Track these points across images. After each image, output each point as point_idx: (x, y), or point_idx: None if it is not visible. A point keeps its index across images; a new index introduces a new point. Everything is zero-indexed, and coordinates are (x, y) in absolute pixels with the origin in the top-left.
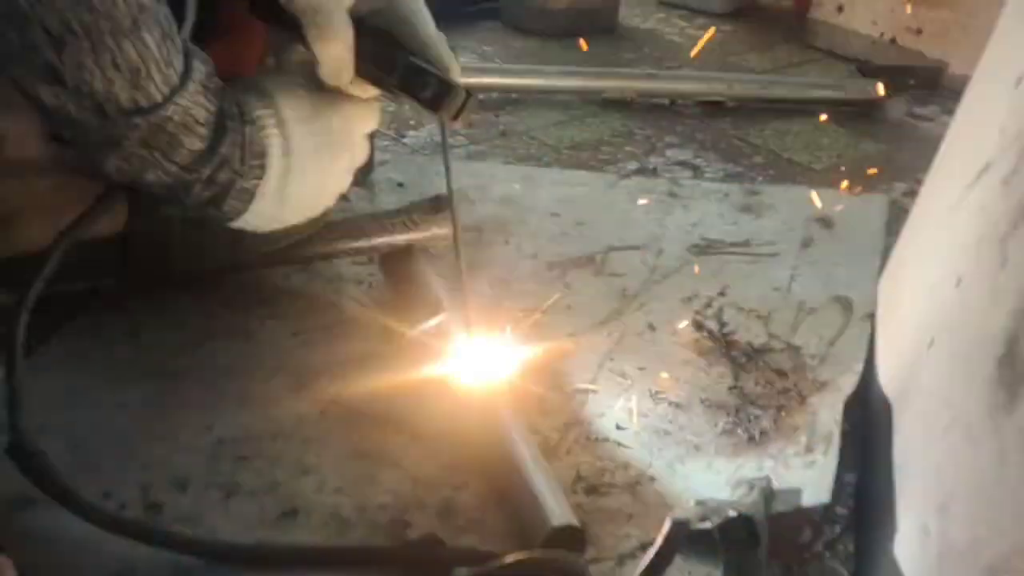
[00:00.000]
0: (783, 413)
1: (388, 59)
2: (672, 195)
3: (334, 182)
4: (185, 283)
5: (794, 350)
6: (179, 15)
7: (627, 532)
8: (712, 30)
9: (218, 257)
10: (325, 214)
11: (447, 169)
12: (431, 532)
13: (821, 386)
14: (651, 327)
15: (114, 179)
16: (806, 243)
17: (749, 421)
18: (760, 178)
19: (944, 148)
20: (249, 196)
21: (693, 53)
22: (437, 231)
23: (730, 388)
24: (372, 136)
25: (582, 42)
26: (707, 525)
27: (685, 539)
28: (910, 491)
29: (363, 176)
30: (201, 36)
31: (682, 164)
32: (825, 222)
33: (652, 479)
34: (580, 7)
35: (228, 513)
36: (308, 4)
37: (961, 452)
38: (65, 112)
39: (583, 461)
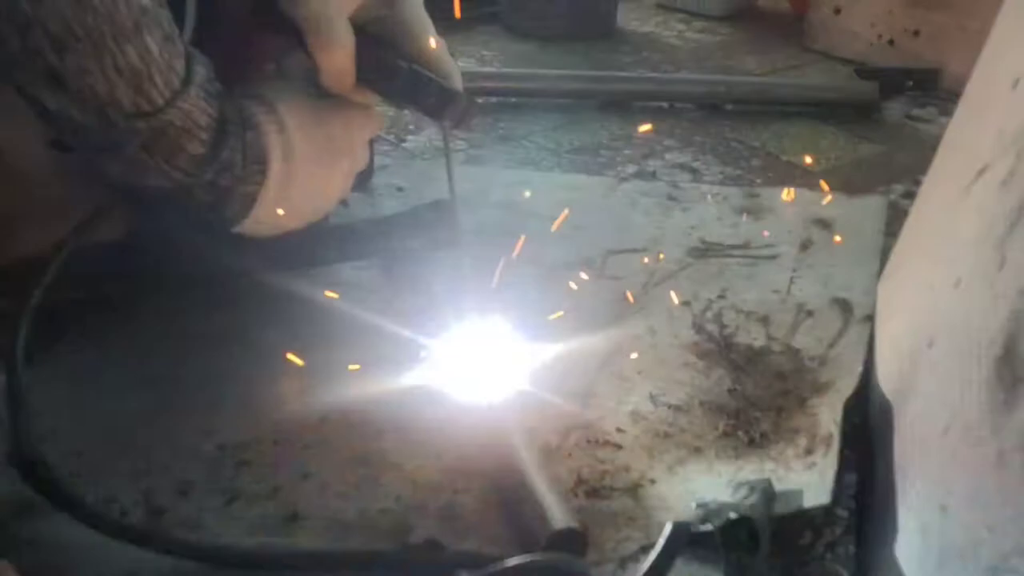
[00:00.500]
0: (783, 415)
1: (389, 66)
2: (671, 198)
3: (334, 187)
4: (185, 289)
5: (794, 352)
6: (180, 19)
7: (628, 535)
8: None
9: (218, 263)
10: (325, 219)
11: (449, 175)
12: (432, 536)
13: (821, 388)
14: (651, 330)
15: (116, 183)
16: (805, 245)
17: (749, 423)
18: (759, 180)
19: (942, 150)
20: (250, 201)
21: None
22: (438, 236)
23: (730, 391)
24: (372, 141)
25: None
26: (708, 527)
27: (686, 542)
28: (910, 492)
29: (363, 181)
30: (202, 41)
31: (681, 167)
32: (824, 224)
33: (653, 482)
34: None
35: (230, 518)
36: (309, 11)
37: (961, 453)
38: (67, 117)
39: (583, 464)
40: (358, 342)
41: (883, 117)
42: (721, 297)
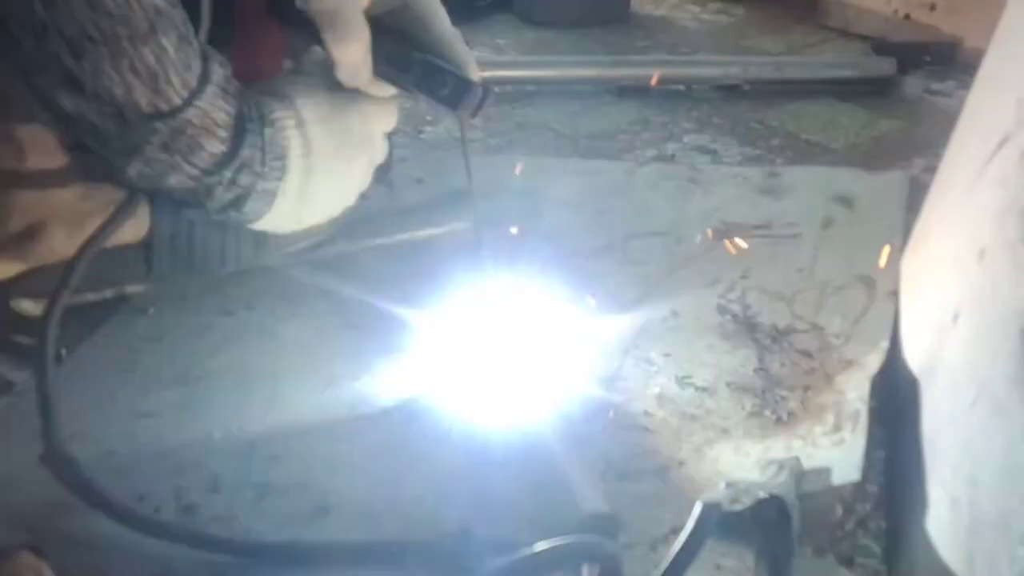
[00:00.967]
0: (810, 393)
1: (405, 59)
2: (691, 180)
3: (354, 182)
4: (208, 286)
5: (819, 330)
6: (195, 18)
7: (658, 517)
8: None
9: (241, 259)
10: (346, 213)
11: (467, 164)
12: (463, 523)
13: (847, 365)
14: (675, 313)
15: (136, 185)
16: (827, 223)
17: (776, 403)
18: (779, 160)
19: (961, 123)
20: (270, 198)
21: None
22: (458, 226)
23: (756, 370)
24: (391, 134)
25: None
26: (738, 507)
27: (716, 522)
28: (939, 465)
29: (383, 174)
30: (218, 39)
31: (700, 149)
32: (845, 201)
33: (681, 463)
34: None
35: (261, 512)
36: (324, 6)
37: (989, 424)
38: (86, 119)
39: (612, 448)
40: (381, 333)
41: (902, 92)
42: (744, 277)
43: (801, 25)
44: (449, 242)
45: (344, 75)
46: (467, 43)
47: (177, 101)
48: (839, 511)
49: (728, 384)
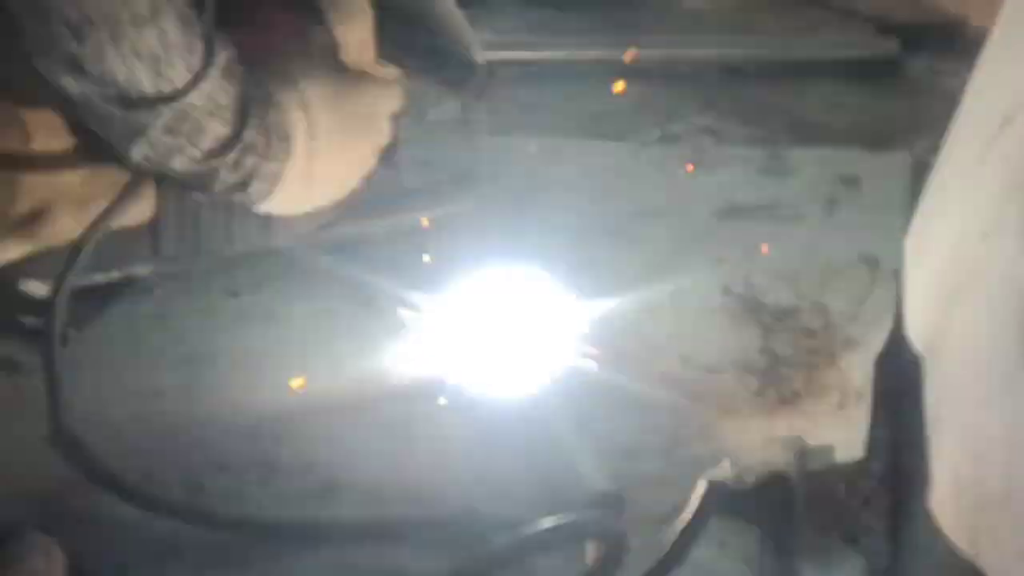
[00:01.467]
0: (814, 373)
1: (409, 40)
2: (694, 162)
3: (359, 164)
4: (215, 267)
5: (823, 310)
6: (199, 1)
7: (663, 495)
8: None
9: (247, 241)
10: (351, 195)
11: (473, 147)
12: (469, 501)
13: (851, 344)
14: (679, 293)
15: (140, 168)
16: (831, 203)
17: (780, 382)
18: (782, 141)
19: (965, 102)
20: (275, 180)
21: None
22: (463, 207)
23: (760, 350)
24: (396, 116)
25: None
26: (742, 486)
27: (720, 500)
28: (944, 443)
29: (388, 156)
30: (223, 22)
31: (704, 130)
32: (849, 181)
33: (686, 442)
34: None
35: (268, 491)
36: None
37: (994, 402)
38: (89, 102)
39: (617, 427)
40: (387, 314)
41: (905, 72)
42: (748, 258)
43: (804, 5)
44: (454, 223)
45: (349, 57)
46: (470, 24)
47: (180, 84)
48: (843, 489)
49: (732, 363)
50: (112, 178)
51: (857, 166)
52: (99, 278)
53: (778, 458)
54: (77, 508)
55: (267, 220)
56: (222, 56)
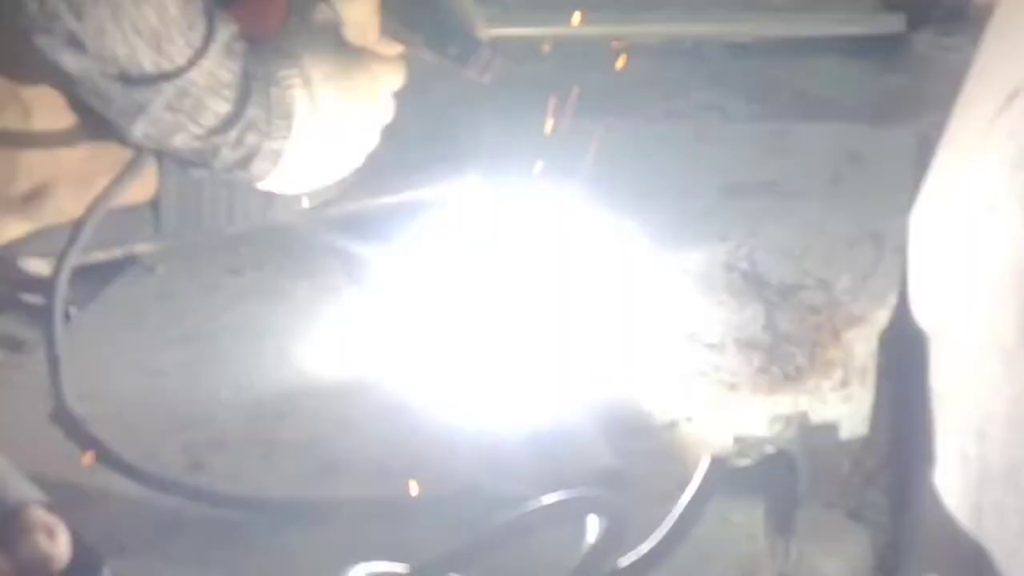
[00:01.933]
0: (818, 349)
1: (413, 17)
2: (699, 138)
3: (361, 141)
4: (217, 245)
5: (827, 286)
6: None
7: (666, 472)
8: None
9: (249, 218)
10: (353, 173)
11: (477, 124)
12: (472, 478)
13: (855, 321)
14: (683, 270)
15: (141, 145)
16: (835, 180)
17: (784, 359)
18: (787, 117)
19: (971, 77)
20: (277, 157)
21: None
22: (463, 184)
23: (764, 327)
24: (398, 93)
25: None
26: (746, 462)
27: (724, 477)
28: (948, 419)
29: (390, 133)
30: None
31: (708, 106)
32: (854, 158)
33: (689, 419)
34: None
35: (269, 469)
36: None
37: (998, 378)
38: (89, 79)
39: (620, 404)
40: (389, 291)
41: (911, 48)
42: (752, 235)
43: None
44: (457, 200)
45: (352, 33)
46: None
47: (181, 61)
48: (847, 466)
49: (736, 340)
50: (113, 156)
51: (862, 142)
52: (100, 256)
53: (782, 435)
54: (79, 486)
55: (269, 198)
56: (223, 33)
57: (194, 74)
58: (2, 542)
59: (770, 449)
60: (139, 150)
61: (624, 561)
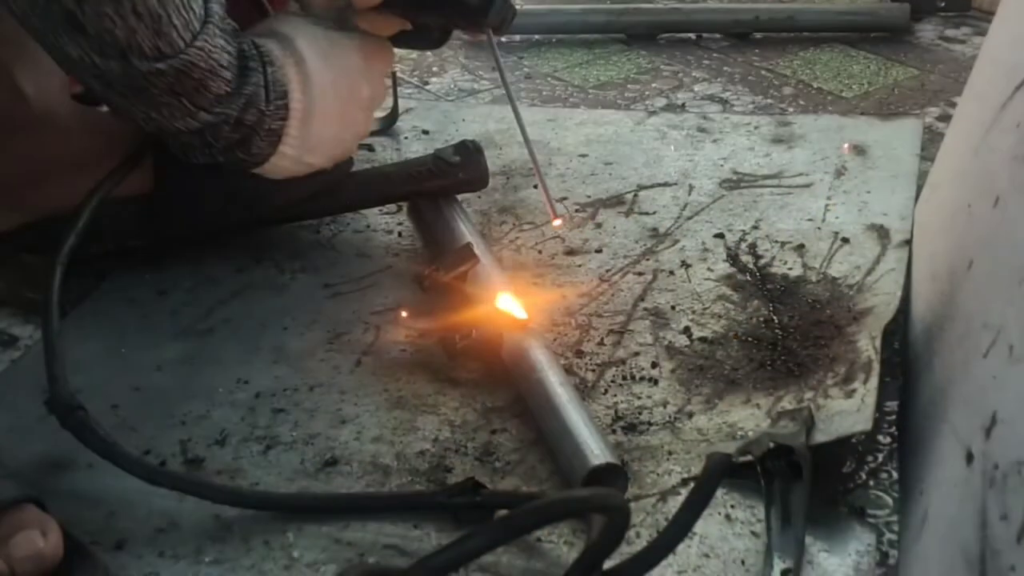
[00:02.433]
0: (821, 344)
1: None
2: (701, 130)
3: (356, 121)
4: (213, 239)
5: (830, 280)
6: None
7: (668, 468)
8: None
9: (246, 211)
10: (350, 162)
11: (505, 84)
12: (471, 476)
13: (859, 315)
14: (685, 264)
15: (142, 128)
16: (839, 172)
17: (787, 354)
18: (790, 109)
19: (977, 68)
20: (275, 137)
21: None
22: (464, 177)
23: (766, 321)
24: (395, 81)
25: None
26: (748, 458)
27: (726, 473)
28: (953, 415)
29: (388, 125)
30: None
31: (711, 98)
32: (858, 150)
33: (691, 415)
34: None
35: (268, 465)
36: None
37: (1003, 372)
38: (89, 62)
39: (621, 400)
40: (390, 286)
41: (915, 39)
42: (755, 228)
43: None
44: (456, 194)
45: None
46: None
47: (180, 43)
48: (850, 462)
49: (738, 335)
50: (111, 146)
51: (867, 134)
52: (97, 250)
53: (784, 430)
54: (74, 483)
55: (267, 188)
56: (217, 13)
57: (192, 55)
58: None
59: (772, 445)
60: (138, 134)
61: (624, 560)
